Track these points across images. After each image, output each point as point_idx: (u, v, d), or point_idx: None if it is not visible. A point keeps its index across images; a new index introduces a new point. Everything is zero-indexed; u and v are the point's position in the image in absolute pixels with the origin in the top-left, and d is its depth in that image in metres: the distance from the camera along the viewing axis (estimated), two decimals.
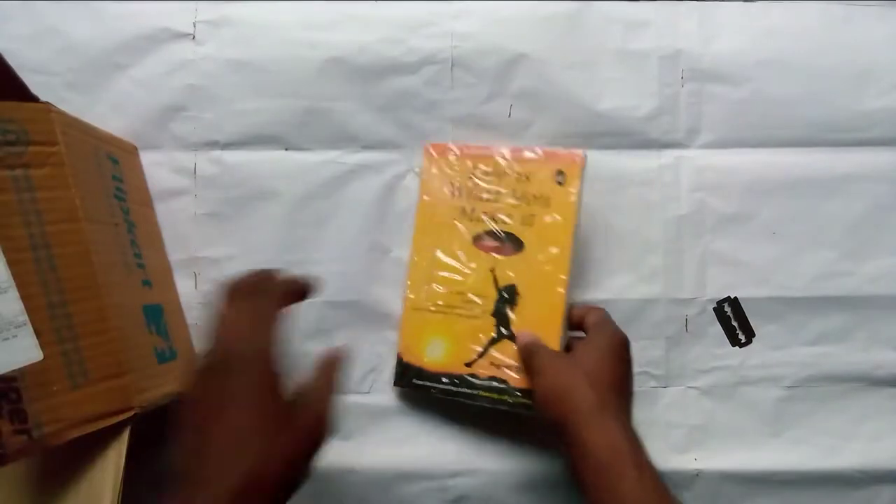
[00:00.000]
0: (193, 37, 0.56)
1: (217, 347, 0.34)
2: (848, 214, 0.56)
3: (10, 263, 0.39)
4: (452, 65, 0.56)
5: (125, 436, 0.42)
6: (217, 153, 0.56)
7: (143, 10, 0.56)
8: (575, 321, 0.50)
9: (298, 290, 0.41)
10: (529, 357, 0.47)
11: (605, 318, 0.48)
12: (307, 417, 0.34)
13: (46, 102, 0.42)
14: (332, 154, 0.56)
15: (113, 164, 0.50)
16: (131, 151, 0.55)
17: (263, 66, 0.56)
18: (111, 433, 0.42)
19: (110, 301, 0.43)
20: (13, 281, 0.39)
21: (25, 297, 0.39)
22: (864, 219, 0.56)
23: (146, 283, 0.50)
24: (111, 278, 0.44)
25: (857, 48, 0.56)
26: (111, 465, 0.41)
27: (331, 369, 0.37)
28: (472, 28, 0.56)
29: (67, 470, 0.43)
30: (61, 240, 0.41)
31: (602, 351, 0.45)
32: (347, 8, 0.56)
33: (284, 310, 0.38)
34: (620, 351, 0.46)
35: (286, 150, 0.56)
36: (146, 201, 0.55)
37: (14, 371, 0.38)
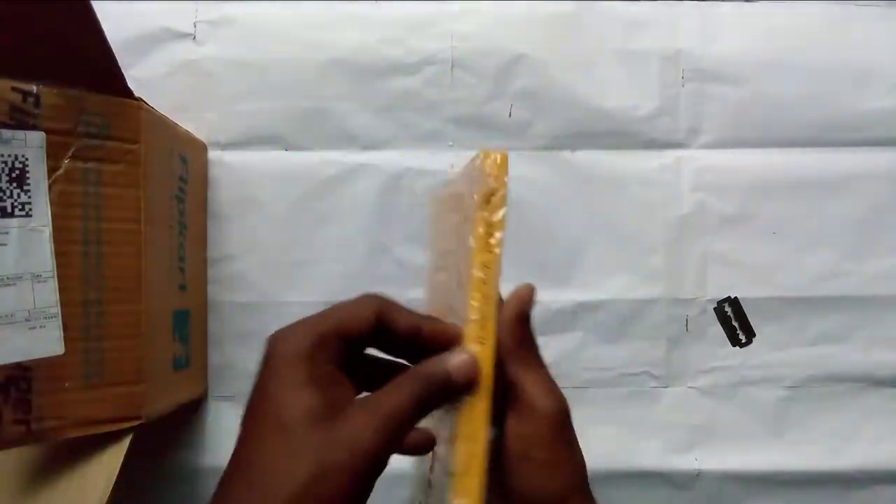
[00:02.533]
0: (194, 37, 0.56)
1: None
2: (848, 214, 0.56)
3: (58, 255, 0.38)
4: (452, 65, 0.56)
5: (126, 442, 0.41)
6: (217, 153, 0.56)
7: (143, 10, 0.56)
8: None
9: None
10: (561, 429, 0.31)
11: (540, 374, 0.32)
12: (353, 423, 0.26)
13: (139, 99, 0.42)
14: (332, 154, 0.56)
15: (182, 163, 0.50)
16: (200, 149, 0.55)
17: (264, 66, 0.56)
18: (113, 438, 0.41)
19: (147, 307, 0.42)
20: (56, 272, 0.38)
21: (63, 290, 0.38)
22: (864, 219, 0.56)
23: (182, 287, 0.49)
24: (154, 284, 0.43)
25: (858, 48, 0.56)
26: (105, 470, 0.40)
27: (422, 381, 0.28)
28: (472, 28, 0.56)
29: (62, 465, 0.42)
30: (115, 238, 0.41)
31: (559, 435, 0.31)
32: (347, 8, 0.56)
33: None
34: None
35: (286, 150, 0.56)
36: (202, 201, 0.55)
37: (31, 361, 0.38)
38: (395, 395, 0.26)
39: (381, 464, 0.26)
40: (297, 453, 0.24)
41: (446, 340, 0.29)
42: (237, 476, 0.26)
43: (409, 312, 0.30)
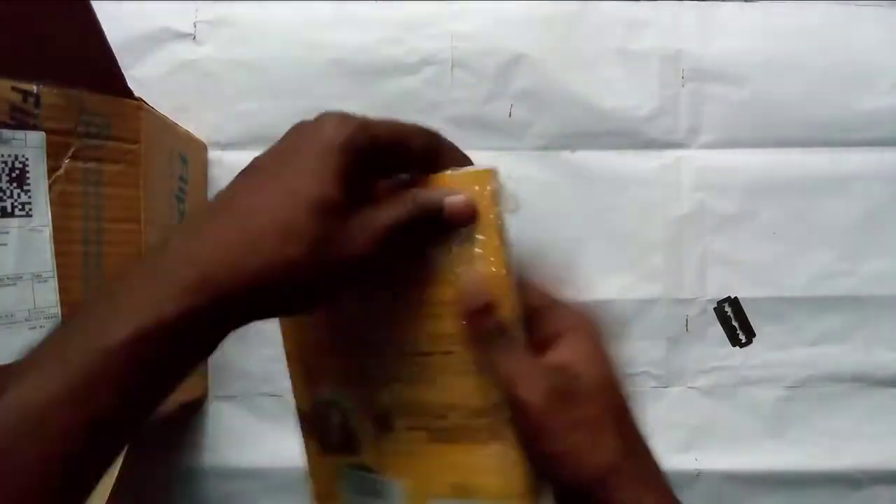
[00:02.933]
0: (194, 37, 0.56)
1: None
2: (848, 214, 0.56)
3: (58, 255, 0.38)
4: (452, 65, 0.56)
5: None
6: (218, 153, 0.56)
7: (143, 10, 0.56)
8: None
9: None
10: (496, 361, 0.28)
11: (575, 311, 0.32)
12: (351, 224, 0.25)
13: (139, 99, 0.42)
14: None
15: (182, 163, 0.50)
16: (201, 149, 0.55)
17: (264, 66, 0.56)
18: None
19: None
20: (56, 272, 0.38)
21: (63, 290, 0.39)
22: (864, 219, 0.56)
23: None
24: None
25: (858, 48, 0.56)
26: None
27: (422, 197, 0.27)
28: (472, 28, 0.56)
29: None
30: (115, 238, 0.41)
31: (600, 361, 0.31)
32: (347, 8, 0.56)
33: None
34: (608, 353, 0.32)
35: None
36: (202, 201, 0.55)
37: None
38: (392, 210, 0.26)
39: (363, 268, 0.26)
40: (293, 239, 0.24)
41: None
42: (212, 214, 0.25)
43: (461, 154, 0.31)
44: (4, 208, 0.37)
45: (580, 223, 0.56)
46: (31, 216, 0.38)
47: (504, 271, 0.29)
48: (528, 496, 0.28)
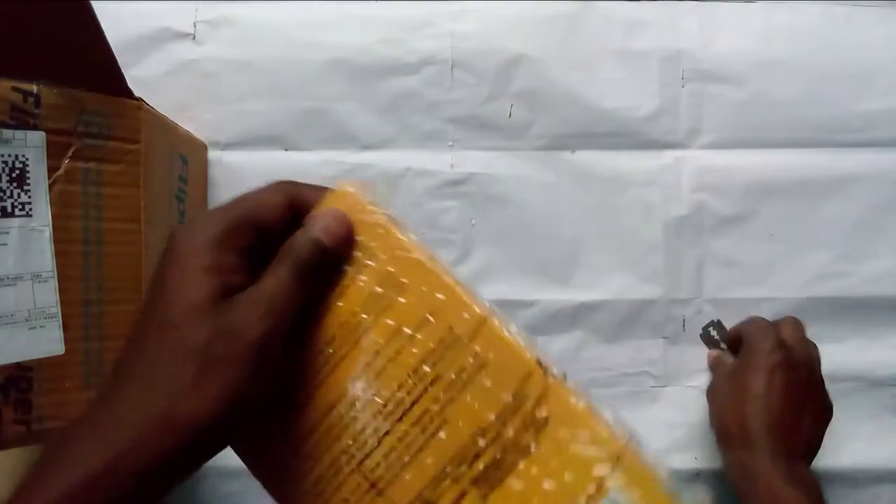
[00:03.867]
0: (194, 37, 0.56)
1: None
2: (848, 215, 0.56)
3: (58, 255, 0.38)
4: (452, 65, 0.56)
5: None
6: (217, 153, 0.56)
7: (143, 10, 0.56)
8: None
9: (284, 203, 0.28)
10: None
11: (760, 326, 0.49)
12: (248, 310, 0.24)
13: (139, 99, 0.42)
14: (332, 154, 0.56)
15: (182, 163, 0.50)
16: (200, 149, 0.55)
17: (264, 67, 0.56)
18: None
19: None
20: (56, 272, 0.38)
21: (63, 290, 0.39)
22: (864, 219, 0.56)
23: None
24: None
25: (858, 49, 0.56)
26: None
27: (304, 252, 0.26)
28: (472, 28, 0.56)
29: None
30: (116, 238, 0.41)
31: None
32: (348, 8, 0.56)
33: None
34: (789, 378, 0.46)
35: (286, 150, 0.56)
36: (202, 201, 0.55)
37: (31, 361, 0.38)
38: (274, 277, 0.25)
39: (271, 349, 0.24)
40: (180, 352, 0.23)
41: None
42: (119, 382, 0.24)
43: (321, 188, 0.28)
44: (4, 208, 0.37)
45: (580, 223, 0.56)
46: (31, 216, 0.38)
47: (419, 259, 0.26)
48: (628, 444, 0.24)
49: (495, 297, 0.54)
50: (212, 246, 0.24)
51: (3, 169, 0.36)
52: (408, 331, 0.25)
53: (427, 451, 0.24)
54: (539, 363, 0.24)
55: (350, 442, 0.25)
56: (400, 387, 0.25)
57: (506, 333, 0.24)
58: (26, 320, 0.37)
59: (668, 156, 0.56)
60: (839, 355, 0.55)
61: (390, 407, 0.25)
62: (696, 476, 0.54)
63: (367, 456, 0.25)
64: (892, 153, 0.56)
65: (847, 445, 0.54)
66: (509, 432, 0.23)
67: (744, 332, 0.49)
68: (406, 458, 0.24)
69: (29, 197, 0.37)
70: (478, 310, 0.25)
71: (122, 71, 0.41)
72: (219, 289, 0.24)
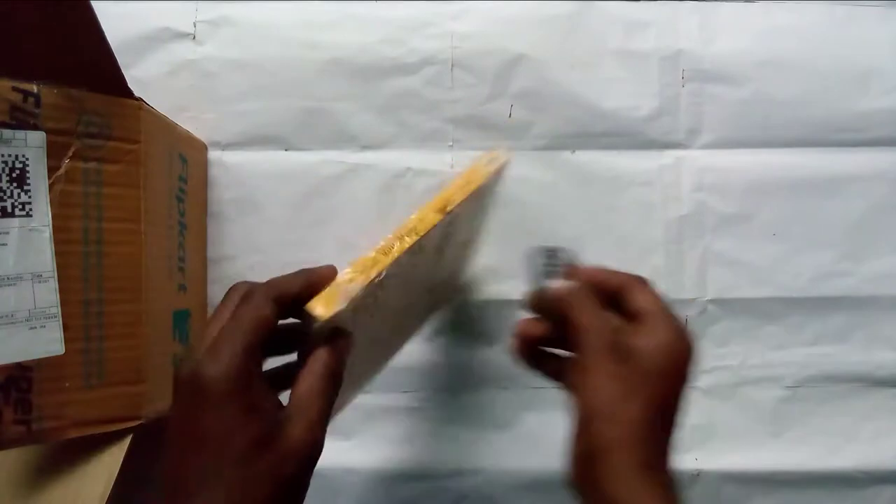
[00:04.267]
0: (193, 37, 0.56)
1: (191, 362, 0.29)
2: (848, 214, 0.56)
3: (58, 254, 0.38)
4: (452, 65, 0.56)
5: (126, 442, 0.41)
6: (217, 153, 0.56)
7: (143, 10, 0.56)
8: (608, 289, 0.35)
9: (294, 289, 0.31)
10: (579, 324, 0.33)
11: (664, 306, 0.33)
12: (294, 432, 0.28)
13: (139, 99, 0.42)
14: (332, 154, 0.56)
15: (182, 163, 0.50)
16: (200, 149, 0.55)
17: (263, 66, 0.56)
18: (113, 438, 0.41)
19: (147, 307, 0.42)
20: (56, 272, 0.38)
21: (63, 290, 0.38)
22: (864, 219, 0.56)
23: (182, 287, 0.49)
24: (154, 284, 0.43)
25: (858, 48, 0.56)
26: (105, 470, 0.40)
27: (320, 364, 0.30)
28: (472, 28, 0.56)
29: (62, 465, 0.42)
30: (116, 238, 0.41)
31: (667, 365, 0.32)
32: (347, 8, 0.56)
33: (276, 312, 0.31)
34: (684, 369, 0.33)
35: (286, 150, 0.56)
36: (202, 201, 0.55)
37: (31, 361, 0.38)
38: (312, 389, 0.29)
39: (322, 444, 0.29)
40: (252, 481, 0.26)
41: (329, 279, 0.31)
42: None
43: (293, 277, 0.31)
44: (5, 208, 0.37)
45: (580, 223, 0.56)
46: (31, 216, 0.38)
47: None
48: None
49: (495, 297, 0.54)
50: (241, 384, 0.27)
51: (4, 169, 0.36)
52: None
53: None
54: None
55: None
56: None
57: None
58: (26, 320, 0.37)
59: (668, 156, 0.56)
60: (839, 355, 0.55)
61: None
62: (696, 476, 0.54)
63: None
64: (892, 153, 0.56)
65: (847, 445, 0.54)
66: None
67: (638, 292, 0.34)
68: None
69: (29, 197, 0.37)
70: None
71: (122, 71, 0.41)
72: (264, 426, 0.27)
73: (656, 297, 0.33)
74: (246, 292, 0.30)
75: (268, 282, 0.31)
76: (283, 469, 0.27)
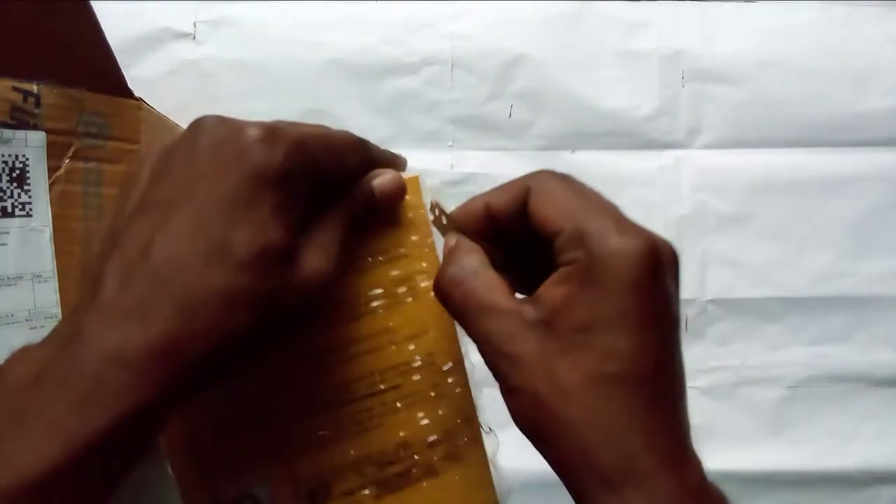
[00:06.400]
0: (194, 37, 0.56)
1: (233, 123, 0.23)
2: (848, 214, 0.56)
3: (58, 255, 0.38)
4: (453, 65, 0.56)
5: None
6: None
7: (143, 10, 0.56)
8: (508, 214, 0.24)
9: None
10: (470, 314, 0.23)
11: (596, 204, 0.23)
12: (310, 260, 0.22)
13: (139, 99, 0.42)
14: None
15: None
16: None
17: (263, 67, 0.56)
18: None
19: None
20: (56, 272, 0.38)
21: (63, 290, 0.38)
22: (865, 219, 0.56)
23: None
24: None
25: (859, 48, 0.56)
26: None
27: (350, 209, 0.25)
28: (472, 28, 0.56)
29: None
30: None
31: (627, 316, 0.21)
32: (347, 8, 0.56)
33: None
34: (655, 296, 0.22)
35: None
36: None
37: None
38: (334, 226, 0.24)
39: (316, 302, 0.23)
40: (240, 308, 0.20)
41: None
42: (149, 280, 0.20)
43: (392, 155, 0.28)
44: (5, 208, 0.37)
45: None
46: (31, 216, 0.38)
47: None
48: None
49: None
50: (288, 181, 0.21)
51: (4, 169, 0.36)
52: (399, 335, 0.26)
53: (353, 442, 0.25)
54: (476, 414, 0.27)
55: (300, 400, 0.25)
56: (363, 377, 0.26)
57: (468, 379, 0.26)
58: (26, 320, 0.37)
59: (668, 156, 0.56)
60: (839, 355, 0.55)
61: (345, 389, 0.25)
62: None
63: (302, 419, 0.25)
64: (892, 153, 0.56)
65: (847, 445, 0.54)
66: (432, 457, 0.26)
67: (544, 200, 0.23)
68: (330, 441, 0.25)
69: (29, 197, 0.37)
70: (460, 350, 0.26)
71: (122, 71, 0.41)
72: (289, 237, 0.21)
73: (571, 197, 0.23)
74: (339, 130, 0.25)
75: (367, 141, 0.26)
76: (281, 297, 0.21)
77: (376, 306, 0.26)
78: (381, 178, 0.26)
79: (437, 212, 0.26)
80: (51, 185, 0.38)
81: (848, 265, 0.55)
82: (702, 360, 0.55)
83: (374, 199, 0.26)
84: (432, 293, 0.24)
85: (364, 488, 0.25)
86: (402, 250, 0.27)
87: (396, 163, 0.28)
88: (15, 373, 0.19)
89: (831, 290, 0.55)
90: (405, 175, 0.27)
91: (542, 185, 0.23)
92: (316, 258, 0.22)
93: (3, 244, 0.37)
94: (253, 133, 0.21)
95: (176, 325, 0.19)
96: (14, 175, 0.37)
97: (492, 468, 0.27)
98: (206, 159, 0.21)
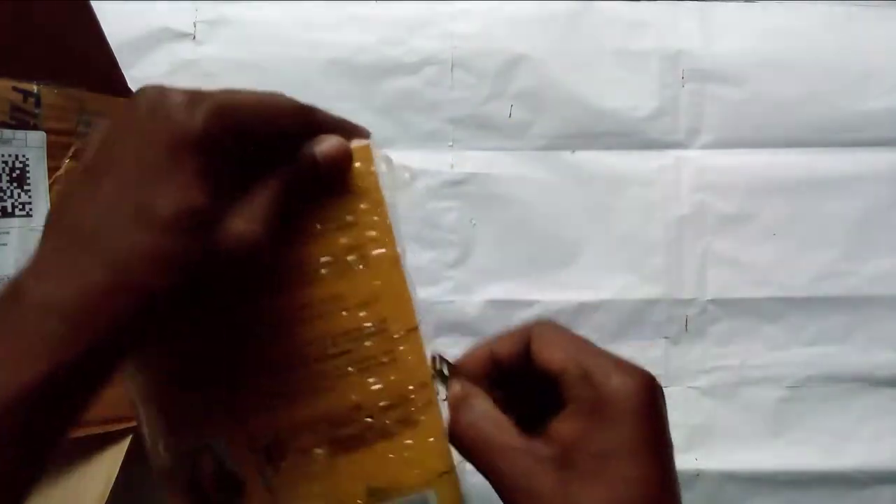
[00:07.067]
0: (193, 37, 0.56)
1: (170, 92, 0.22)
2: (848, 214, 0.56)
3: None
4: (452, 65, 0.56)
5: (126, 442, 0.41)
6: None
7: (143, 10, 0.56)
8: (512, 360, 0.26)
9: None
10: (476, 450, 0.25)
11: (589, 351, 0.25)
12: (235, 223, 0.22)
13: None
14: None
15: None
16: None
17: (263, 66, 0.56)
18: (113, 438, 0.41)
19: None
20: None
21: None
22: (864, 219, 0.56)
23: None
24: None
25: (858, 48, 0.56)
26: (105, 470, 0.40)
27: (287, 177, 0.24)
28: (472, 28, 0.56)
29: (62, 465, 0.42)
30: None
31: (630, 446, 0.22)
32: (347, 8, 0.56)
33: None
34: (656, 431, 0.23)
35: None
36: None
37: None
38: (268, 191, 0.23)
39: (253, 266, 0.23)
40: (162, 267, 0.20)
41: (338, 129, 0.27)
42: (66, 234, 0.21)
43: (343, 122, 0.27)
44: (5, 208, 0.37)
45: (580, 223, 0.56)
46: (31, 216, 0.38)
47: (396, 253, 0.27)
48: (452, 471, 0.27)
49: (495, 298, 0.54)
50: (210, 145, 0.21)
51: (4, 169, 0.36)
52: (350, 301, 0.26)
53: (305, 403, 0.26)
54: (433, 378, 0.27)
55: (252, 361, 0.26)
56: (314, 341, 0.26)
57: (423, 346, 0.27)
58: None
59: (668, 156, 0.56)
60: (839, 355, 0.55)
61: (296, 353, 0.26)
62: (696, 477, 0.54)
63: (255, 380, 0.26)
64: (892, 153, 0.56)
65: (847, 445, 0.54)
66: (385, 420, 0.26)
67: (551, 349, 0.25)
68: (282, 401, 0.26)
69: (29, 197, 0.37)
70: (414, 318, 0.27)
71: (122, 71, 0.41)
72: (211, 199, 0.21)
73: (570, 341, 0.25)
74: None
75: (315, 108, 0.27)
76: (211, 257, 0.21)
77: (325, 273, 0.26)
78: (324, 144, 0.26)
79: (437, 362, 0.27)
80: (51, 185, 0.38)
81: (848, 265, 0.55)
82: (702, 360, 0.55)
83: (316, 165, 0.25)
84: (384, 262, 0.26)
85: (318, 447, 0.26)
86: (349, 218, 0.27)
87: (355, 131, 0.28)
88: None
89: (831, 290, 0.55)
90: (356, 143, 0.27)
91: (542, 331, 0.26)
92: (241, 222, 0.22)
93: (3, 244, 0.37)
94: (177, 99, 0.21)
95: (103, 281, 0.20)
96: (14, 175, 0.37)
97: (445, 427, 0.27)
98: (136, 127, 0.22)
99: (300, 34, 0.56)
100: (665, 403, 0.24)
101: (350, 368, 0.26)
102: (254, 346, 0.26)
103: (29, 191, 0.37)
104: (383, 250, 0.26)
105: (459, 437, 0.25)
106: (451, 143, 0.56)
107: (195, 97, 0.22)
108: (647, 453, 0.22)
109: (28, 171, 0.37)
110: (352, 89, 0.56)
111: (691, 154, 0.56)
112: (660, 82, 0.56)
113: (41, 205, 0.38)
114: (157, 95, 0.22)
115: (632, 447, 0.22)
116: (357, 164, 0.27)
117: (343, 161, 0.26)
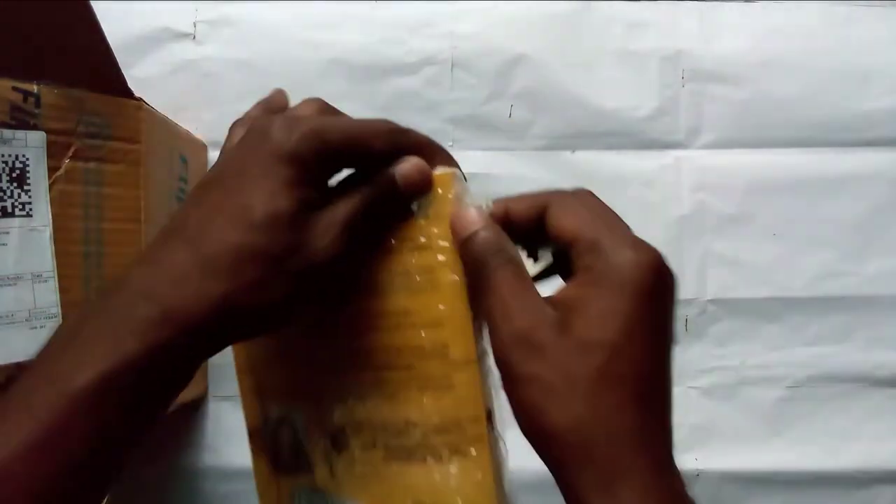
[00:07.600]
0: (193, 37, 0.56)
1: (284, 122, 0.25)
2: (848, 214, 0.56)
3: (58, 255, 0.38)
4: (452, 65, 0.56)
5: None
6: (218, 154, 0.56)
7: (143, 10, 0.56)
8: (526, 220, 0.28)
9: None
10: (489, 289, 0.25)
11: (606, 222, 0.25)
12: (318, 243, 0.24)
13: (139, 99, 0.42)
14: None
15: (182, 163, 0.50)
16: (200, 149, 0.55)
17: (264, 67, 0.56)
18: None
19: None
20: (56, 272, 0.38)
21: (63, 290, 0.38)
22: (864, 219, 0.56)
23: None
24: None
25: (859, 48, 0.56)
26: None
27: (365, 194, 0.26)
28: (472, 28, 0.56)
29: None
30: (116, 239, 0.41)
31: (629, 321, 0.22)
32: (348, 8, 0.56)
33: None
34: (655, 308, 0.23)
35: None
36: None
37: (29, 361, 0.38)
38: (349, 201, 0.25)
39: (332, 273, 0.25)
40: (246, 251, 0.23)
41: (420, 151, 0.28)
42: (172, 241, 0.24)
43: (432, 145, 0.29)
44: (5, 208, 0.37)
45: None
46: (31, 216, 0.38)
47: (462, 282, 0.27)
48: None
49: None
50: (299, 160, 0.24)
51: (4, 169, 0.36)
52: (417, 319, 0.27)
53: (370, 405, 0.28)
54: (488, 414, 0.27)
55: (334, 354, 0.28)
56: (383, 349, 0.27)
57: (479, 379, 0.27)
58: (26, 320, 0.37)
59: (668, 156, 0.56)
60: (839, 355, 0.55)
61: (367, 356, 0.28)
62: (696, 477, 0.54)
63: (334, 371, 0.28)
64: (892, 153, 0.56)
65: (847, 445, 0.54)
66: (436, 442, 0.27)
67: (566, 215, 0.27)
68: (351, 397, 0.28)
69: (29, 197, 0.37)
70: (475, 349, 0.27)
71: (122, 71, 0.41)
72: (297, 206, 0.24)
73: (588, 211, 0.26)
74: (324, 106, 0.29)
75: (405, 129, 0.29)
76: (298, 259, 0.24)
77: (398, 287, 0.27)
78: (404, 165, 0.27)
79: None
80: (51, 185, 0.38)
81: (848, 265, 0.55)
82: (702, 360, 0.55)
83: (394, 184, 0.27)
84: (451, 289, 0.27)
85: (375, 448, 0.28)
86: (422, 240, 0.28)
87: (443, 158, 0.30)
88: (72, 314, 0.24)
89: (831, 290, 0.55)
90: (441, 170, 0.29)
91: (562, 199, 0.27)
92: (322, 230, 0.24)
93: (3, 244, 0.37)
94: (278, 122, 0.25)
95: (193, 270, 0.23)
96: (14, 175, 0.37)
97: (500, 475, 0.28)
98: (243, 147, 0.26)
99: (300, 34, 0.56)
100: (674, 289, 0.24)
101: (411, 383, 0.27)
102: (335, 342, 0.28)
103: (29, 191, 0.37)
104: (450, 276, 0.27)
105: (482, 247, 0.26)
106: (451, 143, 0.56)
107: (294, 122, 0.25)
108: (642, 332, 0.22)
109: (28, 171, 0.37)
110: (352, 89, 0.56)
111: (691, 154, 0.56)
112: (660, 82, 0.56)
113: (41, 205, 0.38)
114: (265, 121, 0.25)
115: (627, 321, 0.22)
116: (438, 190, 0.28)
117: (421, 184, 0.28)
